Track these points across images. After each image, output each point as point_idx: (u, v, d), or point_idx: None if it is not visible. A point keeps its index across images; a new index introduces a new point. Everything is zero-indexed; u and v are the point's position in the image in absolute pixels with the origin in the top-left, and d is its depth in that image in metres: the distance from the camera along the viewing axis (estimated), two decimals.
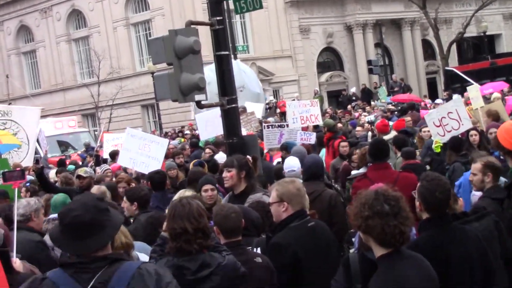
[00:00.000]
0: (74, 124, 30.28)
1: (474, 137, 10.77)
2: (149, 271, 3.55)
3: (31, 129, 18.27)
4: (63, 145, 27.13)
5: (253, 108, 19.33)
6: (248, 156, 7.62)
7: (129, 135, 12.84)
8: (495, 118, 12.33)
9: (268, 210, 6.02)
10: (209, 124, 16.45)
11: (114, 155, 15.70)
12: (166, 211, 5.14)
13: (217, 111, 15.78)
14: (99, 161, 17.08)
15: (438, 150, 11.18)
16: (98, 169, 12.99)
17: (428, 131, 12.94)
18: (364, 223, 3.97)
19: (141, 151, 11.97)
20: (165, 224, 5.02)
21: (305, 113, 15.96)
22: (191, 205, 4.68)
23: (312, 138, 14.13)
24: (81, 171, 11.30)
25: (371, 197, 4.00)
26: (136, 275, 3.51)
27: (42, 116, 26.88)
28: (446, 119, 11.10)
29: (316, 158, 8.79)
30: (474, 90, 15.02)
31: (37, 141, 18.60)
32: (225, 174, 7.25)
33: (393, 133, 13.35)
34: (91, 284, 3.44)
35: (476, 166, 6.80)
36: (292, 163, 9.08)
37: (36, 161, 13.08)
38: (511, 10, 55.61)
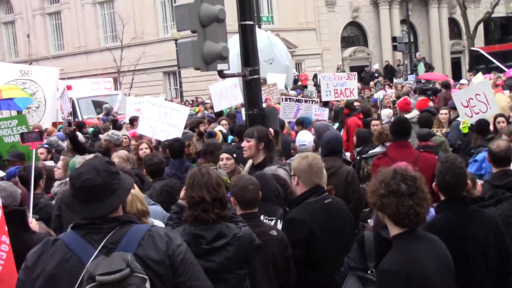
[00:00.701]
0: (110, 86, 29.96)
1: (502, 124, 10.49)
2: (159, 233, 3.59)
3: (49, 89, 18.43)
4: (99, 107, 27.06)
5: (275, 79, 19.17)
6: (270, 129, 7.61)
7: (148, 103, 12.77)
8: None
9: (283, 183, 6.05)
10: (223, 95, 16.43)
11: (133, 120, 15.72)
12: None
13: (231, 81, 15.75)
14: (116, 125, 17.08)
15: (466, 130, 11.05)
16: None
17: (446, 114, 12.84)
18: (380, 201, 3.96)
19: (161, 119, 11.93)
20: (183, 192, 5.03)
21: (339, 87, 15.53)
22: (210, 174, 4.70)
23: (324, 114, 14.02)
24: (104, 135, 11.43)
25: (389, 176, 3.99)
26: (147, 237, 3.54)
27: (64, 78, 26.93)
28: (474, 101, 10.96)
29: (335, 133, 8.75)
30: (480, 79, 14.90)
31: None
32: (244, 143, 7.32)
33: (415, 112, 13.22)
34: (102, 244, 3.47)
35: None
36: (304, 138, 9.05)
37: (68, 123, 13.17)
38: None
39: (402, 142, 7.75)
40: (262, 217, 5.52)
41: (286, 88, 22.38)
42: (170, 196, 6.93)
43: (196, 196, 4.60)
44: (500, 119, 10.54)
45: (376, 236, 4.38)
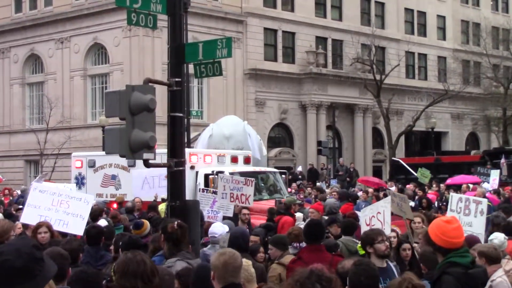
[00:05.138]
0: None
1: (408, 252, 9.53)
2: None
3: None
4: None
5: None
6: (175, 222, 7.54)
7: (36, 190, 11.33)
8: None
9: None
10: (147, 183, 16.23)
11: None
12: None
13: (160, 170, 15.43)
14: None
15: (362, 252, 10.61)
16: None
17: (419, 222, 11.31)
18: None
19: (55, 207, 10.82)
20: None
21: (236, 191, 14.69)
22: (146, 263, 4.58)
23: (218, 217, 14.05)
24: None
25: (305, 275, 4.01)
26: None
27: None
28: (375, 219, 10.30)
29: (243, 230, 8.90)
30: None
31: None
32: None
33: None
34: None
35: None
36: (215, 230, 9.48)
37: None
38: (459, 111, 57.57)
39: (316, 246, 7.87)
40: None
41: None
42: (88, 284, 6.70)
43: (130, 286, 4.47)
44: (406, 245, 9.68)
45: None
